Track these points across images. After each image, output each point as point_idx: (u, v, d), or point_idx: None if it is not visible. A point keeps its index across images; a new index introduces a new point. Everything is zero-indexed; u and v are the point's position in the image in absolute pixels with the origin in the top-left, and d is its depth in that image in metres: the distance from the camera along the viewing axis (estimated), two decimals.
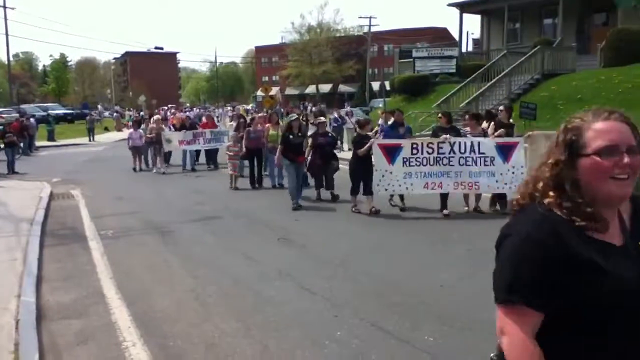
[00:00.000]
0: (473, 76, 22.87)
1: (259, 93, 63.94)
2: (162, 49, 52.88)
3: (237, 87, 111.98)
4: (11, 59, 50.42)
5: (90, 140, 31.94)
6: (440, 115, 10.95)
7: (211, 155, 18.15)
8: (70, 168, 19.08)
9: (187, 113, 38.49)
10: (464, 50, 31.95)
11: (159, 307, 5.68)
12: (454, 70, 27.23)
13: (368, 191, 9.88)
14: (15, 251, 7.52)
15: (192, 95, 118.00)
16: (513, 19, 28.17)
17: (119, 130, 39.90)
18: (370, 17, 59.11)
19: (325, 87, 71.50)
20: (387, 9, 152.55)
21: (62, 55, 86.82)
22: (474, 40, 44.27)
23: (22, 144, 22.98)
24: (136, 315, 5.44)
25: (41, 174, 17.24)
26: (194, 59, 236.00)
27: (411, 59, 29.10)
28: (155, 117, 19.54)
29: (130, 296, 6.00)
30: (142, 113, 46.70)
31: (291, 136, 10.93)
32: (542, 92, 20.03)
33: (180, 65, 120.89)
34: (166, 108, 45.52)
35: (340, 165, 11.60)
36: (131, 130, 18.42)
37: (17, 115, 31.34)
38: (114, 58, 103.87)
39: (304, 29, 71.27)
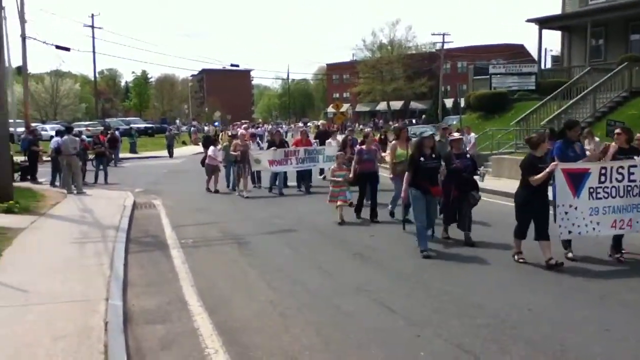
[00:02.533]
0: (554, 93, 22.03)
1: (330, 109, 64.57)
2: (237, 66, 54.22)
3: (308, 103, 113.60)
4: (97, 75, 53.46)
5: (170, 157, 31.52)
6: (618, 132, 8.10)
7: (304, 176, 15.89)
8: (151, 179, 19.87)
9: (256, 129, 39.27)
10: (543, 67, 30.91)
11: (239, 317, 5.72)
12: (533, 87, 26.35)
13: (544, 235, 7.38)
14: (103, 256, 7.84)
15: (265, 112, 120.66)
16: (596, 34, 26.98)
17: (196, 144, 41.23)
18: (443, 34, 58.46)
19: (397, 104, 71.25)
20: (461, 26, 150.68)
21: (144, 72, 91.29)
22: (552, 57, 42.75)
23: (113, 155, 24.26)
24: (217, 324, 5.49)
25: (125, 184, 18.04)
26: (267, 76, 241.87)
27: (486, 76, 28.45)
28: (240, 131, 17.73)
29: (211, 304, 6.09)
30: (206, 128, 47.60)
31: (422, 158, 8.21)
32: (630, 110, 19.00)
33: (253, 82, 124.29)
34: (238, 123, 46.70)
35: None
36: (212, 147, 16.72)
37: (102, 128, 33.12)
38: (192, 75, 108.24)
39: (376, 47, 71.53)
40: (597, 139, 14.09)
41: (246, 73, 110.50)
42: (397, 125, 17.28)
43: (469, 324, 5.41)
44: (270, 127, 50.30)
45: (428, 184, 8.16)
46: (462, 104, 29.48)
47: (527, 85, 26.94)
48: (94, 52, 45.59)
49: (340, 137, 17.87)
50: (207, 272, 7.48)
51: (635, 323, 5.37)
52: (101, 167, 19.31)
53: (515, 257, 7.67)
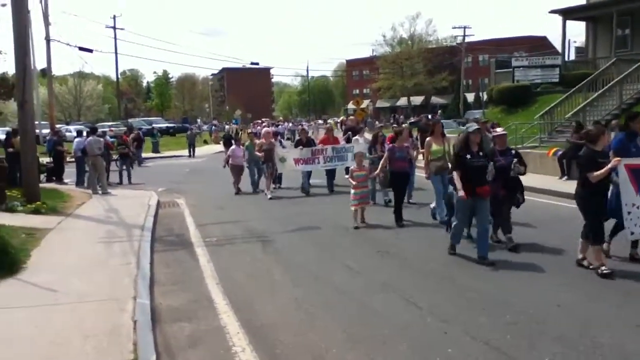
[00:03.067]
0: (579, 86, 21.61)
1: (350, 106, 64.39)
2: (257, 64, 54.32)
3: (328, 100, 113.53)
4: (119, 76, 54.12)
5: (190, 156, 31.59)
6: None
7: (332, 175, 15.32)
8: (174, 178, 20.04)
9: (277, 127, 39.20)
10: (567, 58, 30.38)
11: (264, 314, 5.73)
12: (557, 80, 25.91)
13: (601, 235, 6.91)
14: (129, 255, 7.92)
15: (285, 109, 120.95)
16: (622, 24, 26.39)
17: (217, 142, 41.50)
18: (464, 27, 57.95)
19: (417, 99, 70.70)
20: (482, 19, 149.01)
21: (165, 72, 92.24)
22: (576, 48, 41.99)
23: (136, 155, 24.55)
24: (243, 322, 5.52)
25: (148, 183, 18.23)
26: (286, 73, 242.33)
27: (508, 69, 28.08)
28: (265, 130, 17.03)
29: (236, 302, 6.12)
30: (227, 127, 47.44)
31: (469, 156, 7.37)
32: None
33: (273, 80, 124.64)
34: (259, 121, 46.84)
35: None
36: (233, 147, 16.45)
37: (125, 128, 33.50)
38: (212, 74, 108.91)
39: (396, 41, 71.03)
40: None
41: (266, 71, 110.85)
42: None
43: (496, 320, 5.35)
44: (290, 124, 50.29)
45: (474, 184, 7.29)
46: (484, 98, 29.12)
47: (550, 77, 26.51)
48: (116, 53, 46.17)
49: (367, 134, 16.90)
50: (232, 270, 7.52)
51: None
52: (124, 167, 19.51)
53: (600, 270, 6.61)
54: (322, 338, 5.06)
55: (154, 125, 43.35)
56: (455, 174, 7.46)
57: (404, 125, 19.04)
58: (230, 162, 15.68)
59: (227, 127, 46.47)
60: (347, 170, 15.37)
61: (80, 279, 6.74)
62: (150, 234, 9.57)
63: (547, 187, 13.38)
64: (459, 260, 7.63)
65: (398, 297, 6.15)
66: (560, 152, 15.38)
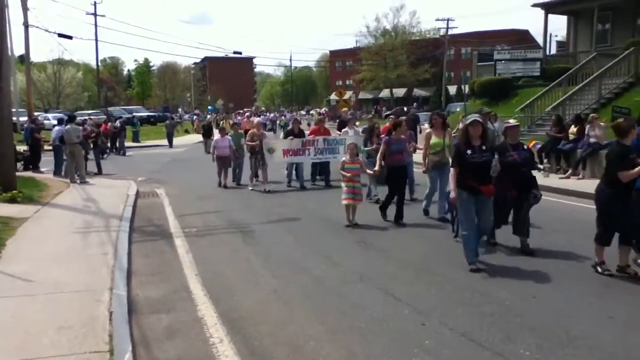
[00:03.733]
0: (559, 80, 21.80)
1: (333, 97, 64.32)
2: (240, 53, 53.74)
3: (311, 91, 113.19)
4: (99, 64, 53.26)
5: (170, 147, 30.45)
6: None
7: (324, 167, 14.63)
8: (154, 168, 19.86)
9: (260, 117, 39.00)
10: (548, 52, 30.62)
11: (243, 306, 5.71)
12: (538, 74, 26.14)
13: (627, 240, 6.40)
14: (107, 245, 7.83)
15: (267, 99, 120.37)
16: (603, 19, 26.65)
17: (199, 132, 41.16)
18: (447, 20, 58.06)
19: (400, 91, 70.78)
20: (465, 12, 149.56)
21: (146, 60, 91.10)
22: (557, 42, 42.39)
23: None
24: (222, 313, 5.49)
25: (127, 173, 18.03)
26: (269, 63, 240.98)
27: (490, 62, 28.26)
28: (257, 120, 16.50)
29: (215, 293, 6.08)
30: (208, 117, 46.94)
31: (469, 151, 6.60)
32: (636, 96, 18.78)
33: (255, 69, 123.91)
34: (241, 111, 46.50)
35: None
36: (217, 136, 15.30)
37: (105, 117, 33.07)
38: (194, 63, 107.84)
39: (379, 33, 70.94)
40: (602, 123, 13.99)
41: (249, 61, 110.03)
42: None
43: (473, 312, 5.39)
44: (272, 115, 49.99)
45: (477, 182, 6.57)
46: (466, 90, 29.26)
47: (531, 71, 26.72)
48: (96, 40, 45.29)
49: (358, 127, 15.78)
50: (211, 261, 7.47)
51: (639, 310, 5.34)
52: (101, 156, 19.26)
53: (598, 268, 6.43)
54: (301, 329, 5.05)
55: (134, 114, 42.78)
56: (451, 172, 6.77)
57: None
58: (216, 153, 14.68)
59: (208, 116, 46.06)
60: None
61: (56, 269, 6.64)
62: (128, 224, 9.47)
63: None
64: (438, 252, 7.67)
65: (376, 288, 6.17)
66: (539, 145, 15.52)
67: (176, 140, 33.45)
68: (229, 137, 14.86)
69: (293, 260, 7.39)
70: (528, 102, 21.40)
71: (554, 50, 35.47)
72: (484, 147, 6.69)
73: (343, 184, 9.51)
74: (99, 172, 18.32)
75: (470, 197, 6.64)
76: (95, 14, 44.64)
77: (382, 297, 5.90)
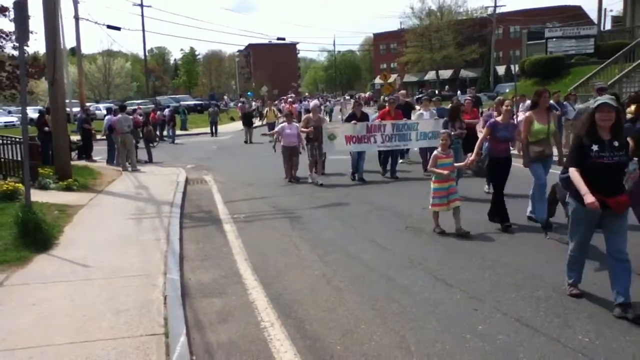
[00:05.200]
0: (615, 56, 20.97)
1: (377, 81, 63.66)
2: (284, 39, 53.97)
3: (354, 75, 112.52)
4: (147, 54, 54.39)
5: (212, 135, 30.09)
6: None
7: (393, 157, 12.88)
8: (201, 155, 20.19)
9: (303, 103, 38.87)
10: (602, 28, 29.39)
11: (293, 290, 5.74)
12: (592, 51, 25.22)
13: None
14: (159, 231, 8.02)
15: (311, 85, 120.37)
16: None
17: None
18: None
19: (446, 73, 69.55)
20: None
21: (192, 49, 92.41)
22: (613, 17, 40.67)
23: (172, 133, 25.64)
24: (272, 297, 5.53)
25: (176, 160, 18.41)
26: (313, 48, 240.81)
27: (541, 41, 27.50)
28: (313, 103, 14.48)
29: (265, 278, 6.14)
30: (254, 104, 46.55)
31: (596, 146, 4.76)
32: None
33: (299, 55, 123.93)
34: (285, 97, 46.57)
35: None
36: (283, 124, 13.40)
37: (153, 106, 33.73)
38: (238, 51, 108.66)
39: (424, 13, 69.70)
40: None
41: (292, 46, 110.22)
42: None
43: (528, 296, 5.27)
44: (317, 100, 49.90)
45: (603, 191, 4.70)
46: (516, 70, 28.47)
47: (585, 48, 25.83)
48: (143, 30, 46.33)
49: (432, 109, 13.58)
50: (260, 246, 7.54)
51: None
52: (151, 145, 19.69)
53: None
54: (351, 314, 5.04)
55: (181, 102, 43.57)
56: (572, 173, 4.84)
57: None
58: (282, 142, 12.86)
59: (254, 103, 46.35)
60: (401, 154, 13.52)
61: (112, 254, 6.85)
62: (179, 210, 9.66)
63: None
64: (488, 236, 7.51)
65: (427, 273, 6.09)
66: None
67: (221, 128, 33.84)
68: (297, 125, 13.17)
69: (341, 245, 7.37)
70: (582, 80, 20.67)
71: (609, 26, 34.09)
72: (616, 144, 4.77)
73: (433, 185, 7.69)
74: (150, 160, 18.74)
75: (589, 213, 4.83)
76: (142, 5, 45.58)
77: (433, 282, 5.83)
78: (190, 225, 8.93)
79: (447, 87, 58.86)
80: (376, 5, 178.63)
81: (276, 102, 40.50)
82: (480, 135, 8.14)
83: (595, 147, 4.76)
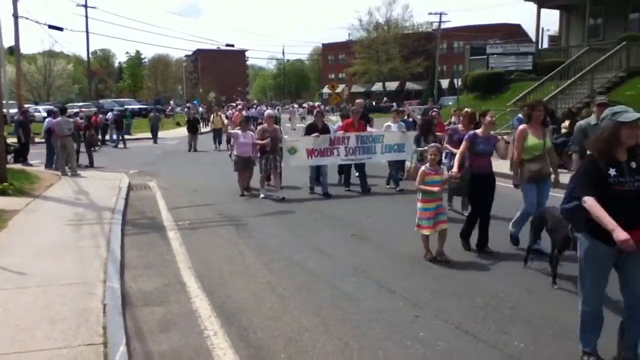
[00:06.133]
0: (551, 74, 21.97)
1: (325, 90, 64.22)
2: (232, 46, 53.51)
3: (303, 84, 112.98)
4: (90, 56, 52.83)
5: (154, 142, 28.62)
6: None
7: (359, 171, 12.20)
8: (145, 160, 19.77)
9: (250, 110, 38.48)
10: (540, 46, 30.74)
11: (237, 298, 5.69)
12: (530, 68, 26.33)
13: None
14: (99, 238, 7.79)
15: (259, 92, 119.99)
16: (595, 13, 26.82)
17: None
18: (440, 14, 58.09)
19: (392, 85, 70.90)
20: (458, 5, 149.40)
21: (137, 52, 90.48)
22: (550, 37, 42.57)
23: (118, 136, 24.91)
24: (216, 305, 5.47)
25: (119, 165, 17.95)
26: (262, 56, 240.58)
27: (482, 56, 28.47)
28: (267, 113, 13.15)
29: (209, 286, 6.06)
30: (200, 109, 45.51)
31: (613, 171, 3.89)
32: (628, 90, 18.97)
33: (248, 62, 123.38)
34: (233, 104, 46.09)
35: None
36: (237, 130, 12.45)
37: (96, 109, 32.77)
38: (186, 55, 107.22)
39: (372, 26, 70.99)
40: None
41: (241, 53, 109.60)
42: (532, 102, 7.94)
43: (468, 304, 5.41)
44: (265, 108, 49.54)
45: (624, 225, 3.73)
46: (459, 84, 29.36)
47: (524, 65, 26.93)
48: (87, 31, 44.89)
49: (401, 122, 12.97)
50: (205, 254, 7.44)
51: None
52: (92, 149, 19.16)
53: None
54: (295, 322, 5.05)
55: (126, 106, 42.51)
56: (589, 203, 3.83)
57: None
58: (235, 152, 12.10)
59: (200, 109, 45.71)
60: (390, 177, 12.21)
61: (48, 261, 6.60)
62: (121, 216, 9.42)
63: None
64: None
65: (371, 281, 6.17)
66: None
67: (167, 133, 33.31)
68: (252, 134, 11.98)
69: (287, 253, 7.37)
70: (520, 95, 21.54)
71: (546, 45, 35.64)
72: (633, 165, 3.92)
73: (420, 205, 6.91)
74: (91, 165, 18.19)
75: (606, 252, 3.95)
76: (86, 6, 44.25)
77: (377, 289, 5.91)
78: (133, 232, 8.72)
79: (385, 99, 60.23)
80: (325, 16, 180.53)
81: (224, 107, 39.95)
82: (460, 148, 7.37)
83: (612, 172, 3.86)
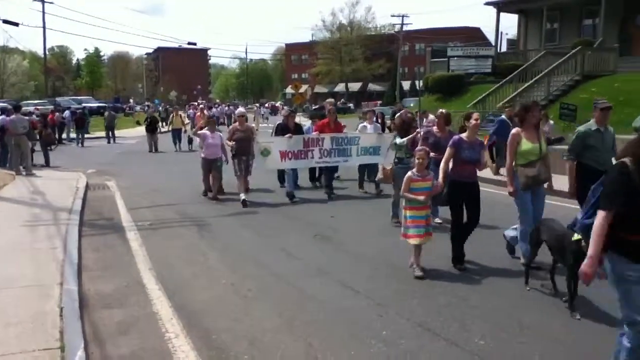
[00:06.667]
0: (510, 76, 22.48)
1: (289, 90, 64.13)
2: (195, 44, 52.90)
3: (266, 84, 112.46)
4: (47, 52, 51.38)
5: (108, 142, 27.30)
6: None
7: (329, 172, 11.66)
8: (104, 160, 19.34)
9: (212, 110, 38.02)
10: (499, 50, 31.42)
11: (199, 300, 5.61)
12: (489, 70, 26.88)
13: None
14: (55, 239, 7.55)
15: (222, 92, 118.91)
16: (552, 18, 27.61)
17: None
18: (402, 16, 58.69)
19: (355, 86, 71.34)
20: (419, 8, 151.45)
21: (96, 50, 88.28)
22: (508, 40, 43.61)
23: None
24: (177, 307, 5.38)
25: (76, 165, 17.49)
26: (224, 55, 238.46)
27: (443, 59, 28.89)
28: (239, 110, 12.46)
29: (170, 288, 5.95)
30: (161, 109, 43.95)
31: None
32: (582, 93, 19.53)
33: (210, 61, 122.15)
34: (195, 103, 45.39)
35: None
36: (204, 130, 11.69)
37: (52, 107, 31.83)
38: (146, 53, 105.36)
39: (335, 27, 71.26)
40: (551, 121, 14.43)
41: (203, 52, 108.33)
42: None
43: (430, 303, 5.47)
44: (227, 108, 49.04)
45: None
46: (420, 86, 29.73)
47: (484, 68, 27.46)
48: (44, 27, 43.58)
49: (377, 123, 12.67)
50: (166, 255, 7.31)
51: (581, 299, 5.52)
52: (49, 148, 18.60)
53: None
54: (259, 323, 5.00)
55: (84, 104, 41.46)
56: (602, 217, 3.38)
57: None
58: (204, 154, 11.40)
59: (160, 108, 44.90)
60: (362, 182, 11.90)
61: (2, 263, 6.37)
62: (78, 217, 9.16)
63: (481, 175, 13.64)
64: (395, 244, 7.73)
65: (335, 281, 6.18)
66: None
67: (126, 132, 32.68)
68: (220, 135, 11.59)
69: (250, 254, 7.31)
70: (480, 97, 21.96)
71: (504, 48, 36.47)
72: None
73: (407, 213, 6.39)
74: (47, 164, 17.67)
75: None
76: (43, 1, 42.97)
77: (340, 289, 5.91)
78: (90, 233, 8.50)
79: (342, 99, 60.56)
80: (289, 16, 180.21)
81: (186, 106, 39.27)
82: (445, 155, 6.69)
83: None
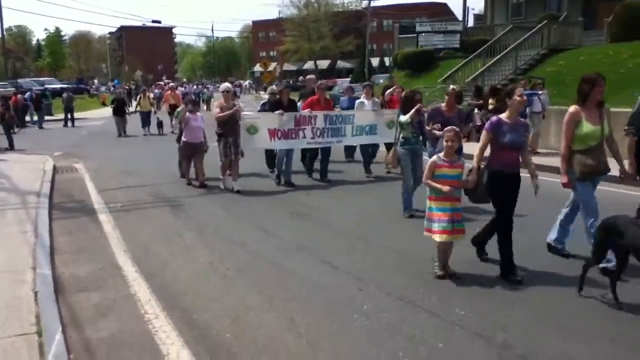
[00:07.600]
0: (478, 51, 22.58)
1: (257, 68, 63.38)
2: (159, 22, 51.72)
3: (234, 62, 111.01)
4: (5, 33, 49.54)
5: (65, 125, 25.84)
6: None
7: (326, 156, 10.76)
8: (70, 142, 18.89)
9: (184, 89, 37.32)
10: (466, 25, 31.56)
11: (178, 280, 5.55)
12: (458, 46, 27.00)
13: None
14: (25, 223, 7.36)
15: (189, 71, 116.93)
16: None
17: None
18: None
19: (324, 63, 70.88)
20: None
21: (57, 29, 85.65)
22: (475, 15, 43.85)
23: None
24: (155, 288, 5.31)
25: (42, 147, 17.01)
26: (190, 33, 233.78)
27: (411, 35, 28.89)
28: (224, 85, 10.62)
29: (147, 269, 5.87)
30: (114, 87, 41.53)
31: None
32: (549, 67, 19.79)
33: (176, 40, 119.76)
34: (163, 83, 44.44)
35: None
36: (187, 114, 10.45)
37: (13, 89, 30.83)
38: (109, 32, 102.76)
39: (302, 4, 70.44)
40: (545, 90, 14.07)
41: (168, 30, 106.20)
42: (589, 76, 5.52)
43: (409, 277, 5.51)
44: (196, 87, 48.29)
45: None
46: (389, 62, 29.75)
47: (452, 43, 27.57)
48: (0, 6, 41.95)
49: (375, 98, 11.59)
50: (141, 236, 7.20)
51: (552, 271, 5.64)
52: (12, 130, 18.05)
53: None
54: (240, 301, 4.97)
55: (46, 86, 40.28)
56: None
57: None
58: (184, 137, 10.37)
59: (126, 88, 43.88)
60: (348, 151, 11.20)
61: None
62: (47, 200, 8.94)
63: None
64: (373, 220, 7.78)
65: (313, 257, 6.17)
66: None
67: (92, 114, 31.93)
68: (202, 116, 10.72)
69: (227, 233, 7.25)
70: (449, 73, 22.05)
71: (472, 23, 36.66)
72: None
73: (432, 204, 5.44)
74: (11, 148, 17.14)
75: None
76: None
77: (319, 265, 5.91)
78: (61, 217, 8.30)
79: (300, 77, 59.88)
80: None
81: (152, 86, 38.24)
82: (481, 141, 5.55)
83: None
